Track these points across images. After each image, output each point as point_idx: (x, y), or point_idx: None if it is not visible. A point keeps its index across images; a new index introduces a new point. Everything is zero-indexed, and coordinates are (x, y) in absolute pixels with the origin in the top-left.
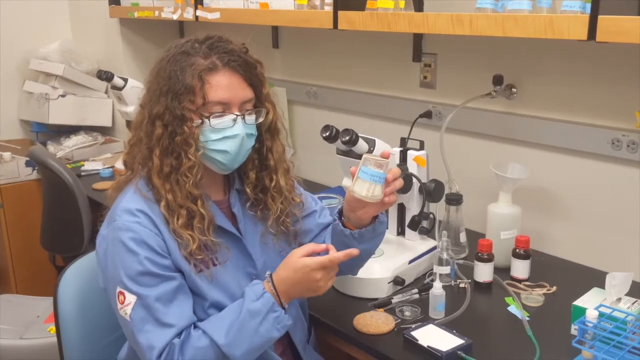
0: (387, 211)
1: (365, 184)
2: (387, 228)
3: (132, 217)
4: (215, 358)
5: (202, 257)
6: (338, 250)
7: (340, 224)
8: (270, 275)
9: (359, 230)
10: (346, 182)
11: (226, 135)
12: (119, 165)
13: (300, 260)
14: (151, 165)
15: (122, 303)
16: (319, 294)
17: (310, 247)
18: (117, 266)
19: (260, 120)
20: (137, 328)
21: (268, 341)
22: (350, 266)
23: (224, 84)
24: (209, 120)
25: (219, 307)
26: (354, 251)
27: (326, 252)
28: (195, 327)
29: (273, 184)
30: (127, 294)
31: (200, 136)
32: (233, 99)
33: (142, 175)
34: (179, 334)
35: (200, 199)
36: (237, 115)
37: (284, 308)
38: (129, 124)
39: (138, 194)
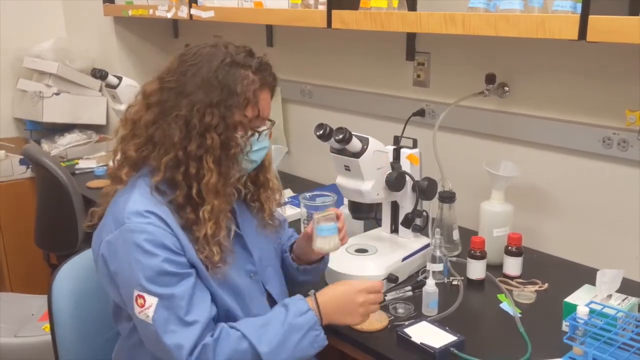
0: (381, 209)
1: (325, 239)
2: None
3: (142, 218)
4: None
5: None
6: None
7: (290, 258)
8: (314, 294)
9: (304, 266)
10: (340, 180)
11: (261, 147)
12: None
13: (348, 281)
14: (199, 172)
15: (142, 306)
16: (355, 321)
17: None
18: (133, 269)
19: None
20: (161, 329)
21: (302, 358)
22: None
23: (268, 102)
24: (259, 134)
25: (225, 306)
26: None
27: None
28: (232, 327)
29: (267, 180)
30: (147, 296)
31: (250, 148)
32: (268, 116)
33: (161, 176)
34: (204, 329)
35: (232, 209)
36: (267, 130)
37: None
38: None
39: (147, 193)
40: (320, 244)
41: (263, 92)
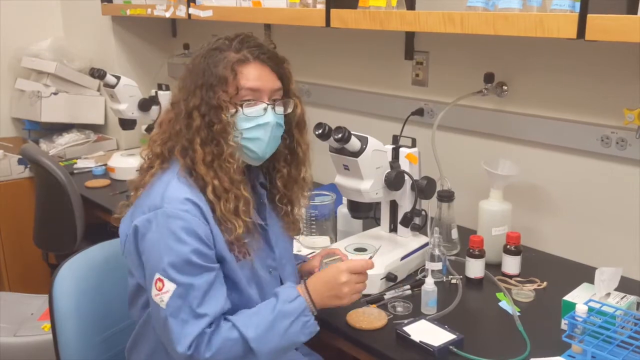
0: (380, 208)
1: None
2: None
3: (182, 205)
4: (241, 352)
5: (245, 242)
6: None
7: None
8: (304, 281)
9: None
10: (339, 179)
11: (258, 124)
12: (112, 163)
13: (337, 264)
14: (193, 155)
15: (160, 290)
16: (343, 302)
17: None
18: (161, 253)
19: (289, 111)
20: (172, 315)
21: (293, 344)
22: None
23: (254, 75)
24: (242, 108)
25: (249, 297)
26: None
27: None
28: (226, 319)
29: (302, 175)
30: (166, 281)
31: (235, 125)
32: (263, 88)
33: (182, 165)
34: (210, 323)
35: (243, 183)
36: (267, 104)
37: (313, 314)
38: (121, 122)
39: (184, 182)
40: None
41: (243, 66)
